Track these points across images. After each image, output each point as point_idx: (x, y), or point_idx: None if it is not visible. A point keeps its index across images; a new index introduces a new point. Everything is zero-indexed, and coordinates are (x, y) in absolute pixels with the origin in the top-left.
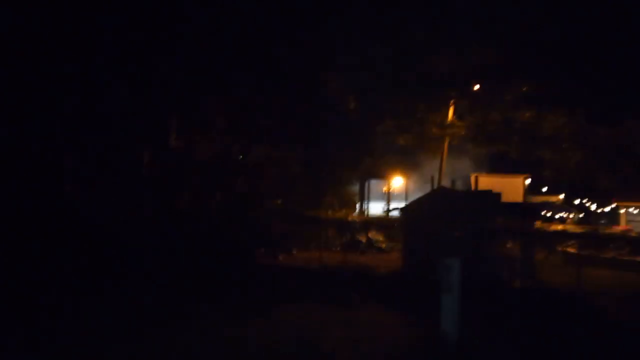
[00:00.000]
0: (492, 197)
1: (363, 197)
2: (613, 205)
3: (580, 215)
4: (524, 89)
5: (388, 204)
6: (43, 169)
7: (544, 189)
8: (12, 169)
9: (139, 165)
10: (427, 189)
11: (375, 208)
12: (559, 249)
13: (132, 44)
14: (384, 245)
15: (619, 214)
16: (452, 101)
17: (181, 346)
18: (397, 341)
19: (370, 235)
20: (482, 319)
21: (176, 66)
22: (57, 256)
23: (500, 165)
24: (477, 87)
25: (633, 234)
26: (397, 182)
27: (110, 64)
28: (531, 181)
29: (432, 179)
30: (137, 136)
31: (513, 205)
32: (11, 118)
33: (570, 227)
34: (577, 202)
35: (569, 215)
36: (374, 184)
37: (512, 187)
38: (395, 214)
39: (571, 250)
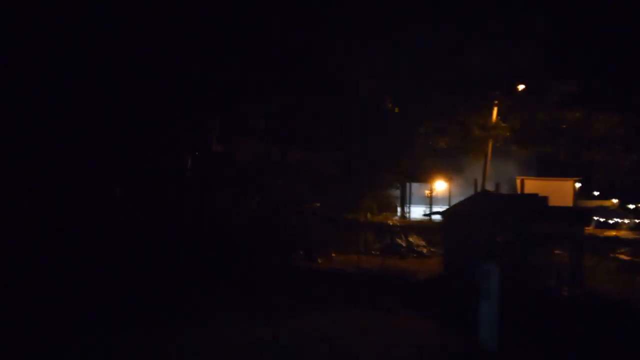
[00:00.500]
0: (538, 201)
1: (404, 200)
2: None
3: (637, 221)
4: (573, 89)
5: (430, 207)
6: (93, 174)
7: (596, 193)
8: (66, 176)
9: (182, 169)
10: (471, 192)
11: (417, 212)
12: (611, 255)
13: (177, 53)
14: (425, 250)
15: None
16: (495, 102)
17: (213, 346)
18: (432, 349)
19: (410, 239)
20: (524, 328)
21: (218, 73)
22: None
23: (549, 169)
24: (521, 87)
25: None
26: (440, 185)
27: (156, 70)
28: (582, 185)
29: (475, 182)
30: (180, 141)
31: (561, 210)
32: (64, 126)
33: (625, 233)
34: (632, 206)
35: (624, 220)
36: (415, 187)
37: (561, 191)
38: (437, 218)
39: (625, 257)
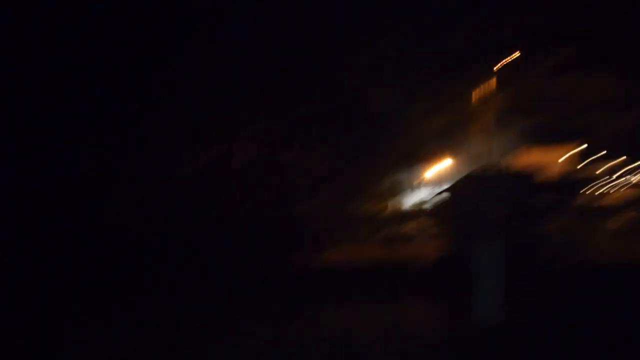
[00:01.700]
0: (538, 172)
1: (405, 185)
2: None
3: None
4: (569, 53)
5: (432, 189)
6: (92, 183)
7: (602, 154)
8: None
9: (181, 171)
10: (472, 170)
11: (419, 196)
12: (619, 217)
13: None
14: (427, 234)
15: None
16: (491, 73)
17: (208, 350)
18: (438, 332)
19: (412, 224)
20: (528, 301)
21: (208, 73)
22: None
23: (550, 136)
24: (516, 54)
25: None
26: (440, 167)
27: (146, 70)
28: (586, 148)
29: (476, 158)
30: (171, 146)
31: (563, 178)
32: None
33: (631, 192)
34: (638, 163)
35: (632, 178)
36: (416, 171)
37: (564, 157)
38: (438, 199)
39: (634, 215)
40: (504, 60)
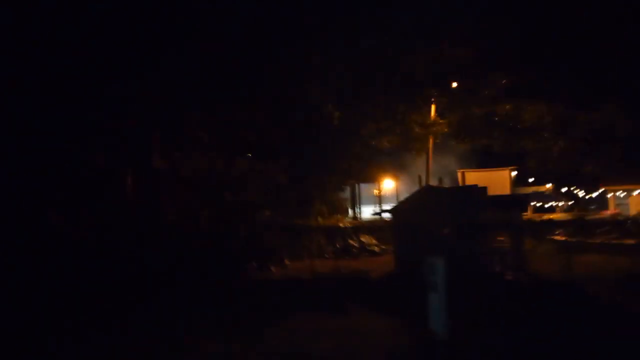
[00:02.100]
0: (478, 191)
1: (354, 201)
2: (601, 190)
3: (570, 203)
4: (503, 82)
5: (380, 206)
6: (24, 197)
7: (531, 180)
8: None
9: (122, 188)
10: (416, 189)
11: (368, 212)
12: (549, 238)
13: (113, 60)
14: (377, 249)
15: (607, 198)
16: (432, 100)
17: None
18: (388, 347)
19: (362, 239)
20: (473, 316)
21: (157, 84)
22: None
23: (486, 160)
24: (455, 84)
25: (621, 218)
26: (388, 184)
27: (89, 81)
28: (518, 173)
29: (420, 178)
30: (118, 157)
31: (500, 198)
32: None
33: (560, 215)
34: (565, 190)
35: (558, 203)
36: (364, 187)
37: (499, 180)
38: (386, 215)
39: (560, 238)
40: (445, 89)
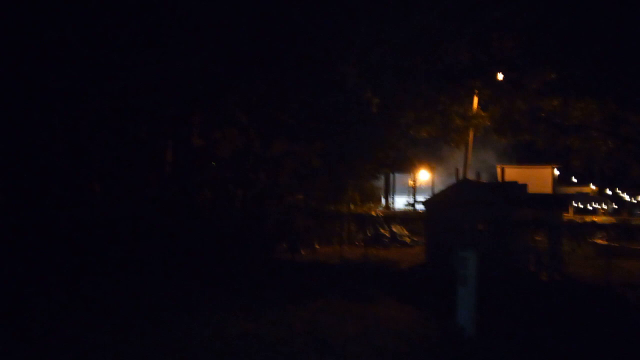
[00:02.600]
0: (518, 188)
1: (388, 191)
2: None
3: (614, 206)
4: (551, 77)
5: (413, 197)
6: (69, 168)
7: (575, 180)
8: (39, 167)
9: (161, 164)
10: (453, 181)
11: (401, 202)
12: (589, 240)
13: (153, 43)
14: (408, 240)
15: None
16: (475, 91)
17: (190, 341)
18: (411, 337)
19: (394, 229)
20: (503, 313)
21: (196, 64)
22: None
23: (528, 156)
24: (500, 76)
25: None
26: (423, 175)
27: (132, 63)
28: (561, 172)
29: (457, 171)
30: (159, 135)
31: (540, 196)
32: (37, 116)
33: (603, 218)
34: (609, 192)
35: (601, 205)
36: (399, 177)
37: (540, 177)
38: (420, 207)
39: (601, 242)
40: (489, 81)
